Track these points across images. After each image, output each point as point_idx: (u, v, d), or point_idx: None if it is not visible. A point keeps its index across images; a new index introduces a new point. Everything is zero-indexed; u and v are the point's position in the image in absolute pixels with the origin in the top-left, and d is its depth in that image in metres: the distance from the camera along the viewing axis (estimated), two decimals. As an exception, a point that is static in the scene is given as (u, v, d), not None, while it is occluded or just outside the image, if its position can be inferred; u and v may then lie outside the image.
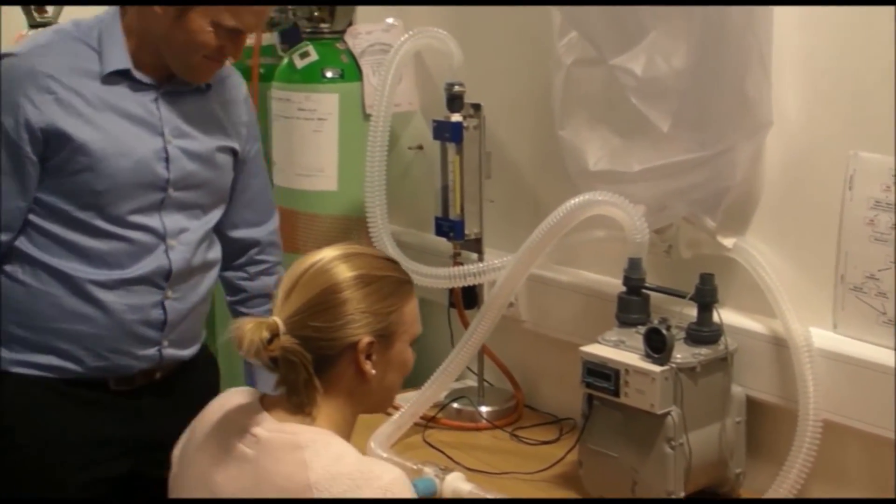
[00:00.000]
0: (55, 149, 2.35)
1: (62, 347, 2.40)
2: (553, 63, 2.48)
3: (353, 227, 2.95)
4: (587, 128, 2.44)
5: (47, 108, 2.34)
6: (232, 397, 2.00)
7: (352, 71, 2.97)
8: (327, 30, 3.03)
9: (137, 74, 2.42)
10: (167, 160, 2.43)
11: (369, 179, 2.76)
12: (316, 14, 3.01)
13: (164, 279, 2.45)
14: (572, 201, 2.36)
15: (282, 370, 1.86)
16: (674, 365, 2.20)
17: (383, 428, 2.58)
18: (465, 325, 2.75)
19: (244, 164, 2.62)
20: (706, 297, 2.28)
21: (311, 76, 2.97)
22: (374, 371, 1.89)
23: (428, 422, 2.75)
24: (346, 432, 1.91)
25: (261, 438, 1.86)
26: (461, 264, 2.70)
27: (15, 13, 4.14)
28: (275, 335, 1.82)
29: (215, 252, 2.60)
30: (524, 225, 2.54)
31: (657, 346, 2.20)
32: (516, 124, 2.80)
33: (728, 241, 2.36)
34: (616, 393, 2.25)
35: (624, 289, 2.40)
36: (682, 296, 2.32)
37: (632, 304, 2.39)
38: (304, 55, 2.97)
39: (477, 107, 2.72)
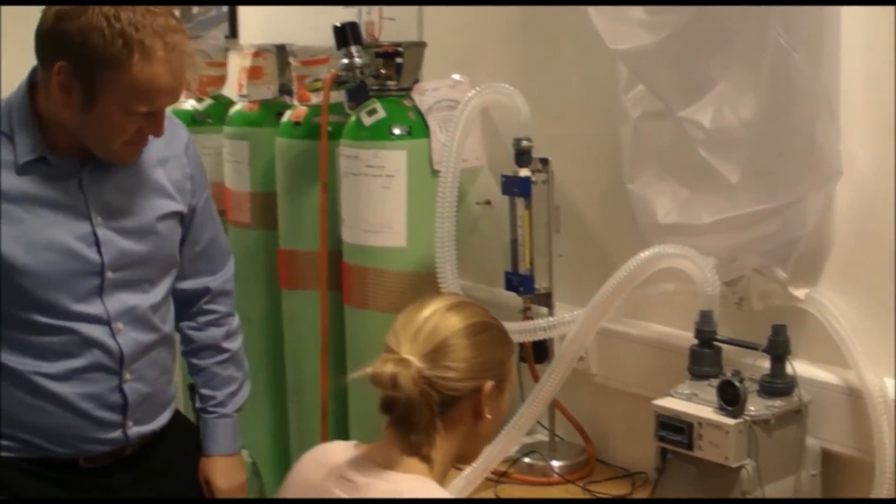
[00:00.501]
0: None
1: (26, 438, 2.35)
2: (620, 116, 2.48)
3: (422, 282, 2.95)
4: (656, 180, 2.44)
5: None
6: (327, 449, 2.03)
7: (419, 127, 2.99)
8: (394, 87, 3.05)
9: (55, 160, 2.29)
10: (98, 244, 2.32)
11: (439, 235, 2.77)
12: (383, 72, 3.04)
13: (117, 363, 2.37)
14: (642, 254, 2.36)
15: (401, 410, 1.89)
16: (748, 417, 2.18)
17: (455, 483, 2.57)
18: (536, 379, 2.74)
19: (193, 216, 2.52)
20: (779, 349, 2.26)
21: (379, 133, 2.98)
22: (489, 416, 1.93)
23: (499, 477, 2.74)
24: (445, 477, 1.96)
25: (359, 485, 1.87)
26: (531, 318, 2.70)
27: None
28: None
29: (171, 323, 2.52)
30: (594, 278, 2.53)
31: (731, 398, 2.19)
32: (584, 178, 2.80)
33: (800, 292, 2.34)
34: (690, 446, 2.23)
35: (696, 341, 2.38)
36: (754, 348, 2.30)
37: (704, 357, 2.37)
38: (372, 112, 2.99)
39: (545, 161, 2.72)
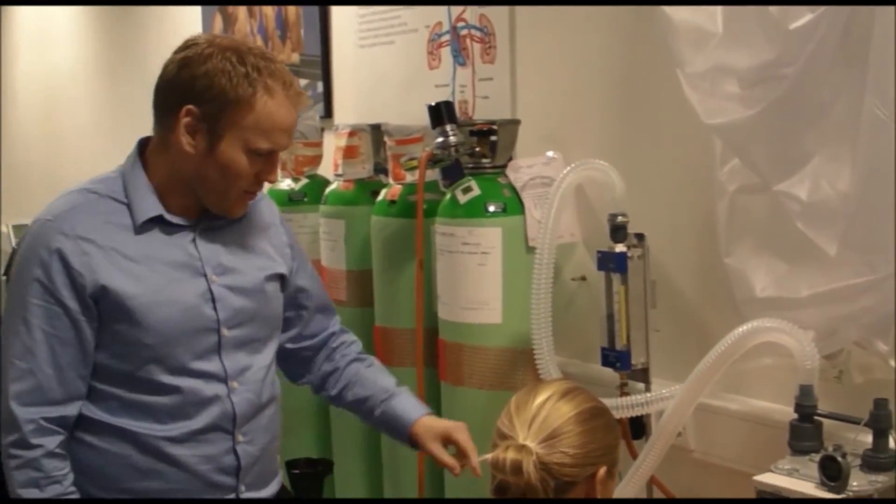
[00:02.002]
0: (104, 308, 2.32)
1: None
2: (716, 190, 2.48)
3: (518, 359, 2.95)
4: (753, 254, 2.43)
5: (89, 270, 2.30)
6: None
7: (514, 204, 3.00)
8: (489, 165, 3.07)
9: (171, 218, 2.38)
10: (213, 300, 2.39)
11: (535, 311, 2.78)
12: (477, 150, 3.06)
13: (231, 424, 2.40)
14: (741, 329, 2.35)
15: (516, 494, 1.93)
16: (850, 493, 2.14)
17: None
18: (634, 455, 2.73)
19: (298, 277, 2.60)
20: (881, 423, 2.23)
21: (474, 211, 3.00)
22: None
23: (599, 554, 2.72)
24: None
25: None
26: (628, 394, 2.70)
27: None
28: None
29: (277, 387, 2.55)
30: (691, 353, 2.53)
31: (832, 474, 2.16)
32: (680, 252, 2.80)
33: (901, 365, 2.32)
34: (792, 522, 2.21)
35: (795, 416, 2.36)
36: (855, 422, 2.27)
37: (804, 432, 2.34)
38: (467, 190, 3.01)
39: (640, 236, 2.72)
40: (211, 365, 2.39)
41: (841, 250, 2.23)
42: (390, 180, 3.41)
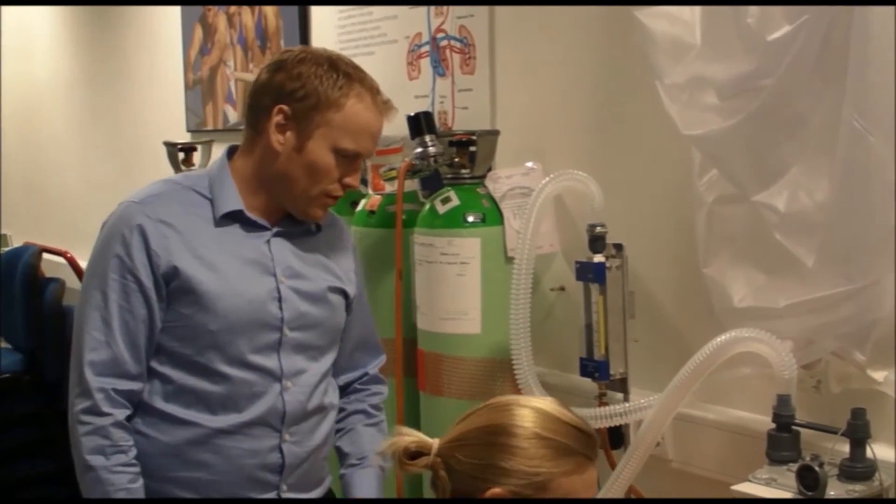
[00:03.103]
0: (175, 290, 2.40)
1: (180, 494, 2.42)
2: (695, 201, 2.50)
3: (497, 369, 2.96)
4: (731, 265, 2.44)
5: (166, 251, 2.39)
6: None
7: (493, 215, 3.01)
8: (468, 175, 3.08)
9: (250, 215, 2.47)
10: (280, 300, 2.45)
11: (514, 321, 2.79)
12: (456, 160, 3.07)
13: (279, 421, 2.45)
14: (719, 339, 2.36)
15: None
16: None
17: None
18: (612, 465, 2.73)
19: (354, 307, 2.63)
20: (858, 433, 2.24)
21: (453, 221, 3.01)
22: None
23: (577, 564, 2.72)
24: None
25: None
26: (607, 404, 2.70)
27: (165, 168, 4.29)
28: (422, 453, 1.88)
29: (332, 396, 2.60)
30: (669, 363, 2.54)
31: (810, 483, 2.17)
32: (659, 263, 2.81)
33: (878, 375, 2.32)
34: (769, 532, 2.21)
35: (773, 426, 2.37)
36: (833, 431, 2.28)
37: (782, 442, 2.35)
38: (446, 200, 3.02)
39: (619, 247, 2.73)
40: (269, 361, 2.45)
41: (819, 261, 2.24)
42: (369, 191, 3.41)
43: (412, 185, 3.19)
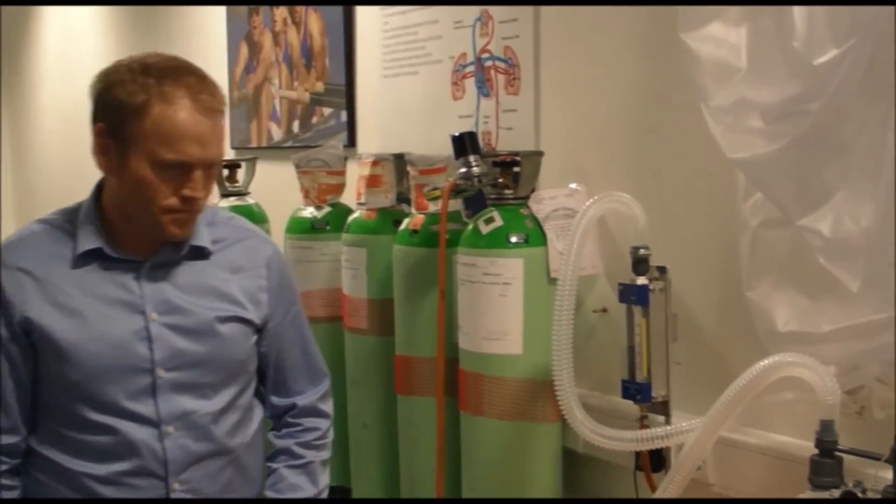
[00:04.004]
0: (38, 342, 2.30)
1: None
2: (739, 224, 2.49)
3: (538, 390, 2.96)
4: (775, 289, 2.43)
5: (21, 301, 2.29)
6: None
7: (536, 236, 3.01)
8: (511, 196, 3.08)
9: (112, 252, 2.33)
10: (150, 339, 2.32)
11: (556, 343, 2.79)
12: (500, 181, 3.07)
13: (162, 469, 2.34)
14: (762, 363, 2.35)
15: None
16: (870, 529, 2.15)
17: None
18: (653, 488, 2.72)
19: (275, 333, 2.52)
20: (902, 460, 2.23)
21: (496, 241, 3.00)
22: None
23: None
24: None
25: None
26: (648, 427, 2.69)
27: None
28: None
29: (244, 435, 2.48)
30: (711, 387, 2.52)
31: (853, 509, 2.16)
32: (702, 286, 2.80)
33: (923, 401, 2.31)
34: (811, 558, 2.20)
35: (816, 451, 2.35)
36: (876, 458, 2.27)
37: (824, 467, 2.34)
38: (489, 221, 3.02)
39: (662, 269, 2.73)
40: (144, 406, 2.33)
41: (863, 286, 2.22)
42: (413, 210, 3.42)
43: (455, 204, 3.20)
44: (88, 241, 2.34)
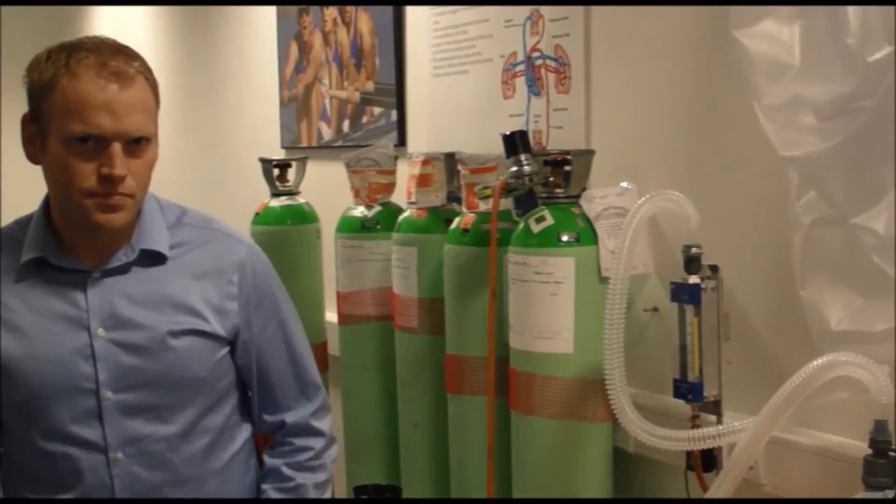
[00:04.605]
0: None
1: None
2: (791, 223, 2.47)
3: (589, 389, 2.95)
4: (828, 288, 2.41)
5: None
6: None
7: (587, 235, 3.00)
8: (562, 195, 3.07)
9: (56, 261, 2.19)
10: (94, 358, 2.16)
11: (608, 342, 2.78)
12: (551, 179, 3.07)
13: (109, 501, 2.19)
14: (815, 362, 2.33)
15: None
16: (926, 530, 2.13)
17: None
18: (704, 488, 2.71)
19: (252, 346, 2.35)
20: (957, 460, 2.21)
21: (547, 240, 3.00)
22: None
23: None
24: None
25: None
26: (700, 427, 2.68)
27: (260, 184, 4.33)
28: None
29: (217, 459, 2.32)
30: (763, 386, 2.51)
31: (907, 510, 2.14)
32: (754, 285, 2.79)
33: (978, 402, 2.29)
34: (865, 559, 2.19)
35: (870, 451, 2.34)
36: (932, 458, 2.26)
37: (879, 468, 2.32)
38: (540, 220, 3.01)
39: (714, 268, 2.72)
40: (89, 431, 2.18)
41: (918, 285, 2.21)
42: (463, 209, 3.42)
43: (506, 203, 3.19)
44: (31, 250, 2.20)
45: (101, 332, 2.18)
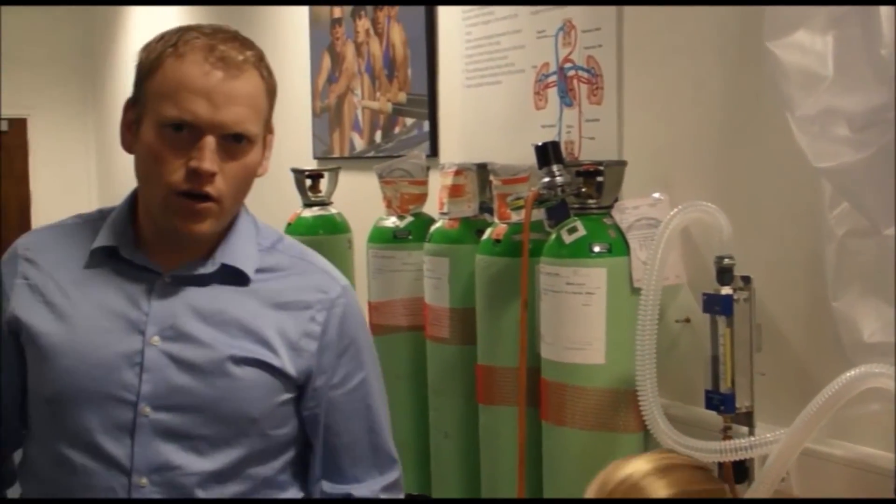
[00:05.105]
0: (26, 344, 2.00)
1: None
2: (824, 234, 2.47)
3: (621, 400, 2.95)
4: (861, 299, 2.41)
5: (15, 293, 2.00)
6: None
7: (619, 245, 3.00)
8: (594, 205, 3.07)
9: (128, 254, 2.00)
10: (141, 366, 1.94)
11: (640, 353, 2.78)
12: (583, 190, 3.07)
13: None
14: (848, 374, 2.32)
15: None
16: (959, 543, 2.12)
17: None
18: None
19: (323, 397, 2.09)
20: None
21: (579, 251, 3.00)
22: None
23: None
24: None
25: None
26: (731, 438, 2.68)
27: (292, 194, 4.35)
28: None
29: None
30: (796, 398, 2.51)
31: (941, 522, 2.13)
32: (787, 296, 2.78)
33: None
34: (898, 571, 2.18)
35: (902, 463, 2.34)
36: (965, 470, 2.25)
37: (912, 480, 2.32)
38: (573, 230, 3.02)
39: (747, 279, 2.71)
40: (116, 447, 1.94)
41: (952, 298, 2.21)
42: (495, 219, 3.42)
43: (538, 214, 3.20)
44: (105, 237, 2.01)
45: (156, 339, 1.96)
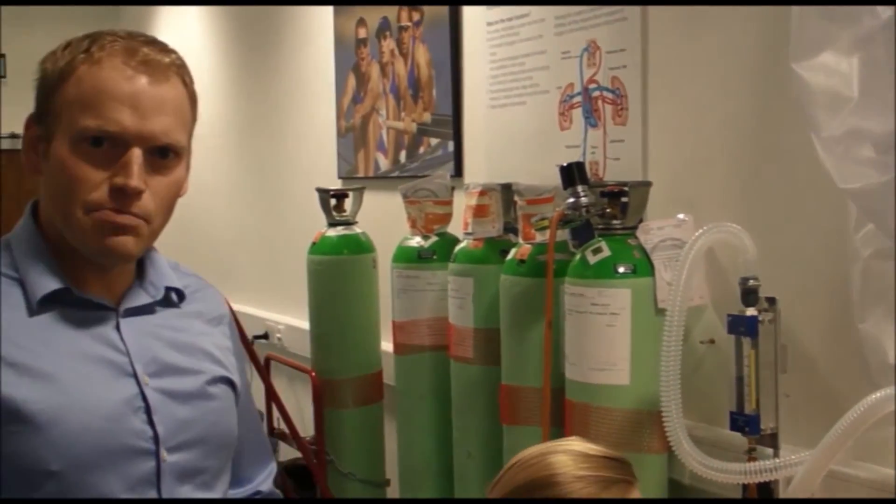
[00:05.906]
0: None
1: None
2: (850, 255, 2.47)
3: (645, 421, 2.94)
4: (887, 320, 2.40)
5: None
6: None
7: (644, 266, 3.00)
8: (619, 226, 3.07)
9: (81, 293, 1.77)
10: (148, 411, 1.76)
11: (664, 374, 2.77)
12: (608, 211, 3.07)
13: None
14: (874, 396, 2.32)
15: None
16: None
17: None
18: (762, 521, 2.70)
19: (240, 402, 1.99)
20: None
21: (604, 272, 3.00)
22: None
23: None
24: None
25: None
26: (756, 459, 2.67)
27: (317, 214, 4.36)
28: None
29: None
30: (821, 420, 2.50)
31: (967, 545, 2.12)
32: (812, 317, 2.77)
33: None
34: None
35: (929, 486, 2.33)
36: None
37: (938, 502, 2.31)
38: (597, 251, 3.02)
39: (772, 300, 2.71)
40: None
41: (977, 320, 2.20)
42: (520, 239, 3.43)
43: (562, 234, 3.20)
44: (46, 280, 1.75)
45: (147, 379, 1.78)
